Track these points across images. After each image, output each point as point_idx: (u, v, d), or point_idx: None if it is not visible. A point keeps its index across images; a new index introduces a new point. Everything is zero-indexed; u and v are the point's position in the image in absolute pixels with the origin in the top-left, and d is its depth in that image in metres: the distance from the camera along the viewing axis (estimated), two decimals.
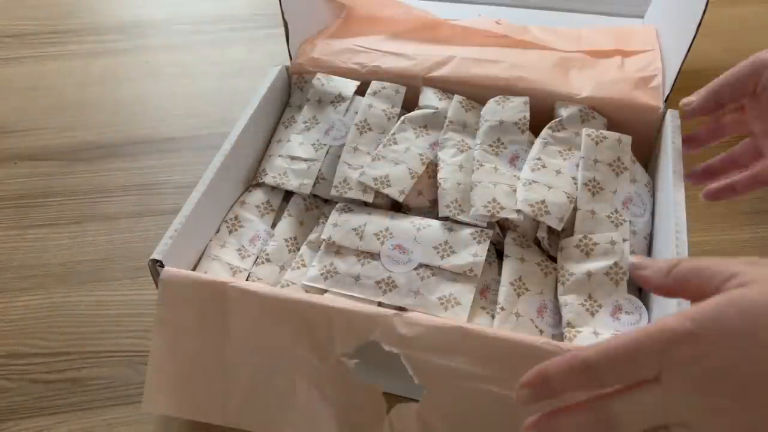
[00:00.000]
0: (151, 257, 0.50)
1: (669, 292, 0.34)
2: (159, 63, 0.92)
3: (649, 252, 0.56)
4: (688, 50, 0.58)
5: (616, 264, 0.53)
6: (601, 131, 0.60)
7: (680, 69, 0.60)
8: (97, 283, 0.64)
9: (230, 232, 0.59)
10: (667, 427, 0.31)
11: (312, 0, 0.72)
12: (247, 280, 0.56)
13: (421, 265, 0.55)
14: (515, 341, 0.44)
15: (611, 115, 0.62)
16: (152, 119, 0.82)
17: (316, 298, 0.48)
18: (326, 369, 0.48)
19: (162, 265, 0.50)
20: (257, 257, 0.58)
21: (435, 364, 0.45)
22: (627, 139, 0.60)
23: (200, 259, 0.56)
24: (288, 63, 0.70)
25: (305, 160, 0.62)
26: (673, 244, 0.50)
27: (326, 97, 0.66)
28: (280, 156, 0.63)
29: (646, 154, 0.63)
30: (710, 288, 0.32)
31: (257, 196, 0.62)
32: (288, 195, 0.63)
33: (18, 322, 0.61)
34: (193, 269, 0.55)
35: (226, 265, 0.56)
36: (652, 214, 0.58)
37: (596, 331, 0.51)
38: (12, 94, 0.87)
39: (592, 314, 0.52)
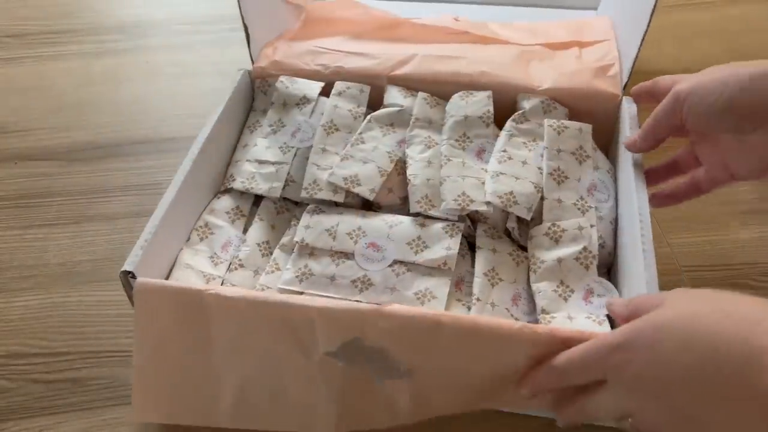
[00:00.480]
0: (122, 269, 0.49)
1: (630, 319, 0.41)
2: (159, 63, 0.92)
3: (615, 236, 0.58)
4: (643, 38, 0.60)
5: (585, 249, 0.55)
6: (563, 121, 0.61)
7: (636, 56, 0.61)
8: (97, 283, 0.64)
9: (201, 239, 0.58)
10: (623, 416, 0.41)
11: (271, 3, 0.72)
12: (221, 286, 0.55)
13: (395, 262, 0.55)
14: (494, 326, 0.45)
15: (572, 105, 0.64)
16: (152, 119, 0.82)
17: (295, 299, 0.48)
18: (314, 366, 0.48)
19: (134, 277, 0.49)
20: (230, 263, 0.58)
21: (421, 354, 0.46)
22: (587, 127, 0.61)
23: (172, 268, 0.56)
24: (250, 67, 0.69)
25: (273, 163, 0.62)
26: (638, 227, 0.51)
27: (291, 99, 0.66)
28: (247, 161, 0.63)
29: (607, 141, 0.65)
30: (649, 311, 0.40)
31: (226, 203, 0.61)
32: (258, 199, 0.63)
33: (18, 322, 0.62)
34: (166, 279, 0.55)
35: (200, 272, 0.56)
36: (616, 199, 0.59)
37: (570, 315, 0.52)
38: (12, 94, 0.87)
39: (565, 299, 0.53)
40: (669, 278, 0.63)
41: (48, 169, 0.76)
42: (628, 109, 0.60)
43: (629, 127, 0.59)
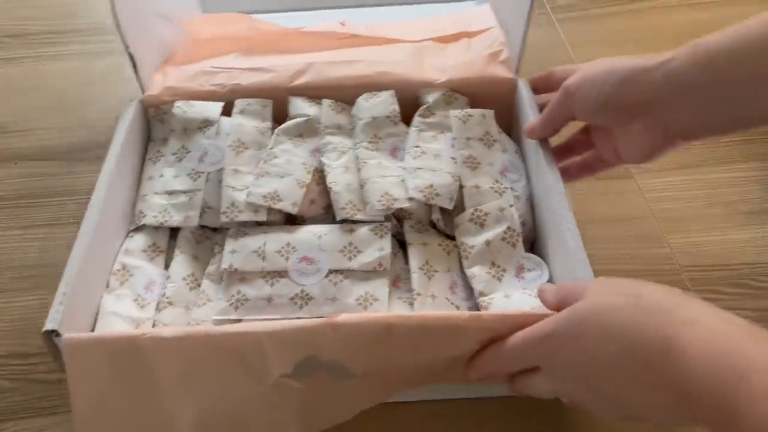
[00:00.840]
0: (44, 329, 0.45)
1: (559, 309, 0.44)
2: None
3: (533, 211, 0.60)
4: (528, 20, 0.63)
5: (509, 228, 0.57)
6: (466, 110, 0.63)
7: (524, 39, 0.64)
8: None
9: (121, 283, 0.55)
10: (557, 395, 0.45)
11: (153, 27, 0.69)
12: (156, 328, 0.53)
13: (331, 272, 0.55)
14: (442, 319, 0.46)
15: (471, 94, 0.66)
16: None
17: (239, 327, 0.46)
18: (270, 391, 0.46)
19: (59, 335, 0.46)
20: (158, 303, 0.55)
21: (375, 358, 0.46)
22: (490, 113, 0.63)
23: (96, 318, 0.52)
24: (141, 96, 0.66)
25: (184, 192, 0.60)
26: (555, 199, 0.54)
27: (191, 123, 0.64)
28: (156, 193, 0.60)
29: (508, 123, 0.67)
30: (575, 302, 0.42)
31: (141, 241, 0.58)
32: (174, 232, 0.60)
33: (18, 322, 0.62)
34: (92, 331, 0.51)
35: (126, 318, 0.53)
36: (527, 177, 0.62)
37: (506, 294, 0.54)
38: (12, 94, 0.86)
39: (499, 279, 0.55)
40: (669, 278, 0.64)
41: (48, 169, 0.76)
42: (525, 91, 0.63)
43: (529, 107, 0.62)
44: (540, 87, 0.62)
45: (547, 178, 0.56)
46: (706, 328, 0.36)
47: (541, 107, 0.61)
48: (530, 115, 0.61)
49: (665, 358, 0.36)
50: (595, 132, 0.58)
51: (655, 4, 0.95)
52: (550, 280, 0.55)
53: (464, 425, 0.54)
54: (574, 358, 0.41)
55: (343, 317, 0.46)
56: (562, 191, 0.54)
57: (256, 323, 0.46)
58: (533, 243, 0.60)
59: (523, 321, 0.46)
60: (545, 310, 0.47)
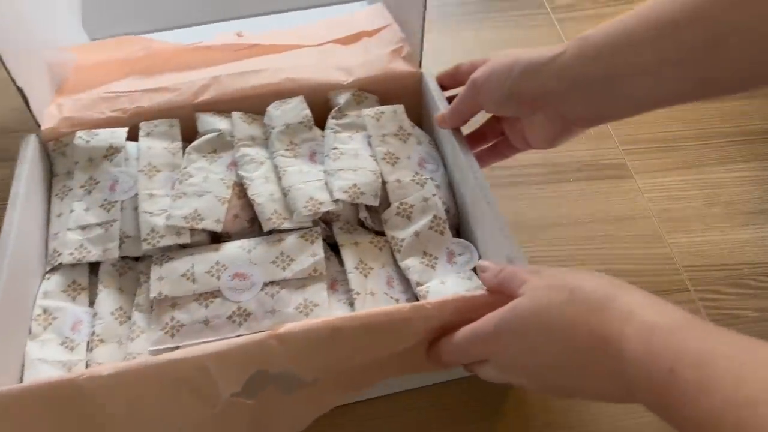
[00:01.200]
0: None
1: (497, 290, 0.47)
2: None
3: (454, 197, 0.62)
4: (423, 14, 0.64)
5: (435, 217, 0.58)
6: (378, 108, 0.64)
7: (422, 32, 0.66)
8: None
9: (45, 328, 0.52)
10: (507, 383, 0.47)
11: (40, 59, 0.65)
12: (94, 367, 0.50)
13: (266, 285, 0.54)
14: (387, 315, 0.46)
15: (379, 91, 0.67)
16: None
17: (180, 353, 0.45)
18: (221, 412, 0.45)
19: None
20: (88, 343, 0.52)
21: (325, 363, 0.46)
22: (400, 108, 0.65)
23: (23, 369, 0.49)
24: (37, 131, 0.62)
25: (100, 224, 0.57)
26: (473, 182, 0.56)
27: (96, 153, 0.61)
28: (69, 230, 0.57)
29: (418, 115, 0.69)
30: (514, 290, 0.44)
31: (59, 281, 0.55)
32: (94, 267, 0.57)
33: None
34: (20, 382, 0.48)
35: (56, 363, 0.50)
36: (444, 166, 0.64)
37: (442, 280, 0.55)
38: None
39: (433, 267, 0.56)
40: (669, 278, 0.65)
41: None
42: (431, 83, 0.65)
43: (437, 98, 0.63)
44: (447, 82, 0.64)
45: (464, 163, 0.58)
46: (641, 321, 0.37)
47: (449, 99, 0.63)
48: (439, 106, 0.62)
49: (605, 354, 0.38)
50: (504, 121, 0.60)
51: None
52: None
53: (435, 413, 0.55)
54: (518, 356, 0.43)
55: (287, 327, 0.46)
56: (480, 174, 0.56)
57: (197, 347, 0.45)
58: (458, 228, 0.62)
59: (462, 305, 0.47)
60: (481, 291, 0.48)
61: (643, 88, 0.46)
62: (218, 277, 0.54)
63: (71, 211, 0.58)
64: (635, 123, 0.76)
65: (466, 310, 0.47)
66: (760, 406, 0.30)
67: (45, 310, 0.53)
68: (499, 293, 0.46)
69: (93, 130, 0.62)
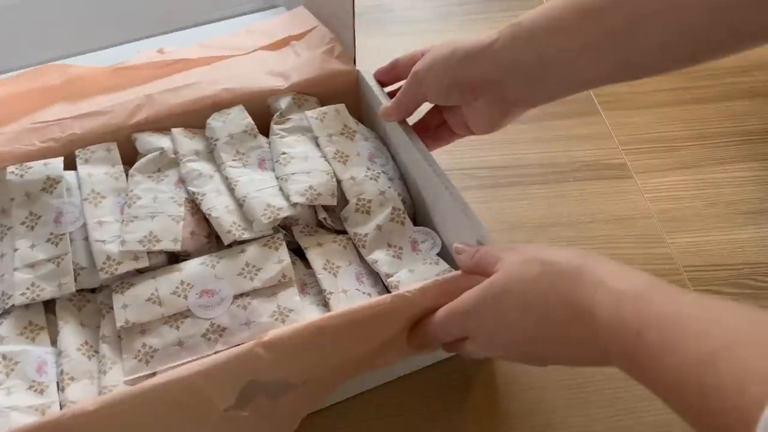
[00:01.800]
0: None
1: (474, 271, 0.48)
2: None
3: (408, 187, 0.63)
4: (353, 11, 0.65)
5: (394, 208, 0.59)
6: (320, 108, 0.64)
7: (353, 29, 0.67)
8: None
9: (8, 375, 0.49)
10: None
11: None
12: (79, 403, 0.47)
13: (236, 297, 0.53)
14: (369, 308, 0.47)
15: (318, 92, 0.67)
16: None
17: (168, 375, 0.43)
18: (219, 426, 0.44)
19: None
20: (58, 383, 0.50)
21: (312, 364, 0.46)
22: (342, 107, 0.65)
23: None
24: None
25: (50, 260, 0.54)
26: (429, 170, 0.57)
27: (33, 187, 0.58)
28: (16, 270, 0.54)
29: (359, 113, 0.69)
30: (489, 268, 0.46)
31: (14, 324, 0.52)
32: (49, 304, 0.54)
33: None
34: None
35: (28, 409, 0.47)
36: (393, 159, 0.65)
37: (410, 269, 0.56)
38: None
39: (399, 258, 0.57)
40: (669, 278, 0.65)
41: None
42: (369, 79, 0.66)
43: (378, 94, 0.64)
44: (385, 78, 0.65)
45: (416, 153, 0.59)
46: (610, 289, 0.38)
47: (391, 94, 0.64)
48: (381, 101, 0.63)
49: (579, 323, 0.39)
50: (444, 109, 0.61)
51: None
52: (444, 246, 0.58)
53: (412, 404, 0.56)
54: (496, 331, 0.44)
55: (273, 333, 0.45)
56: (434, 162, 0.58)
57: (185, 366, 0.44)
58: (415, 218, 0.63)
59: (440, 288, 0.48)
60: (455, 273, 0.50)
61: (571, 70, 0.49)
62: (185, 297, 0.53)
63: (15, 249, 0.55)
64: (635, 124, 0.79)
65: (445, 293, 0.48)
66: (719, 361, 0.31)
67: (4, 357, 0.50)
68: (477, 274, 0.47)
69: (25, 164, 0.59)
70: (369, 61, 0.85)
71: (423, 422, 0.55)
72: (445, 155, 0.74)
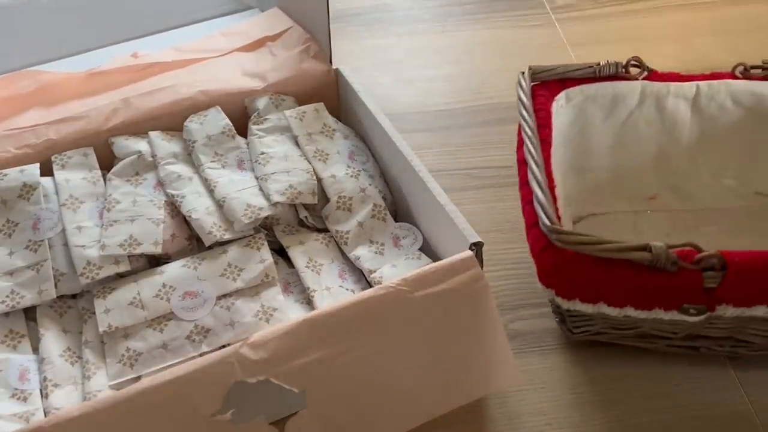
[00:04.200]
0: None
1: None
2: None
3: (388, 184, 0.63)
4: (328, 11, 0.65)
5: (375, 205, 0.59)
6: (299, 108, 0.65)
7: (329, 30, 0.67)
8: None
9: None
10: None
11: None
12: (57, 413, 0.47)
13: (219, 298, 0.53)
14: (362, 300, 0.47)
15: (296, 92, 0.67)
16: None
17: (153, 380, 0.43)
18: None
19: None
20: (41, 390, 0.49)
21: (301, 365, 0.46)
22: (321, 106, 0.65)
23: None
24: None
25: (29, 266, 0.54)
26: (409, 167, 0.58)
27: (10, 194, 0.57)
28: None
29: (337, 111, 0.70)
30: None
31: None
32: (30, 312, 0.54)
33: None
34: None
35: (11, 417, 0.47)
36: (374, 157, 0.65)
37: (393, 264, 0.56)
38: None
39: (382, 253, 0.57)
40: None
41: None
42: (348, 76, 0.66)
43: (359, 92, 0.64)
44: None
45: (395, 149, 0.59)
46: None
47: None
48: (363, 100, 0.63)
49: None
50: None
51: (655, 4, 0.94)
52: (426, 241, 0.58)
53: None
54: None
55: (257, 335, 0.45)
56: (414, 158, 0.58)
57: (170, 370, 0.44)
58: (396, 214, 0.63)
59: (422, 279, 0.49)
60: (434, 265, 0.50)
61: None
62: (168, 299, 0.53)
63: None
64: None
65: (428, 284, 0.48)
66: None
67: None
68: None
69: (0, 171, 0.58)
70: (369, 61, 0.87)
71: None
72: (446, 155, 0.76)
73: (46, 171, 0.59)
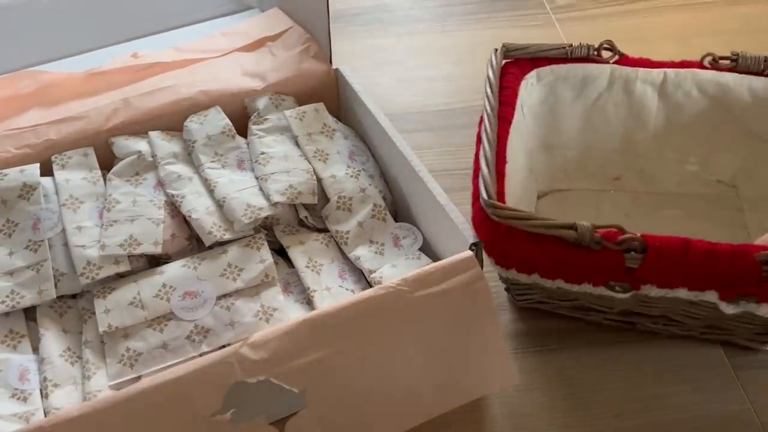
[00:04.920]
0: None
1: None
2: None
3: (388, 184, 0.63)
4: (328, 11, 0.65)
5: (375, 205, 0.59)
6: (299, 108, 0.65)
7: (329, 31, 0.67)
8: None
9: None
10: None
11: None
12: (56, 413, 0.47)
13: (219, 298, 0.53)
14: (363, 300, 0.47)
15: (296, 92, 0.67)
16: None
17: (153, 380, 0.43)
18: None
19: None
20: (41, 390, 0.49)
21: (301, 365, 0.46)
22: (321, 106, 0.65)
23: None
24: None
25: (29, 266, 0.54)
26: (409, 167, 0.58)
27: (10, 194, 0.57)
28: None
29: (337, 111, 0.70)
30: None
31: None
32: (30, 312, 0.54)
33: None
34: None
35: (11, 417, 0.47)
36: (374, 157, 0.65)
37: (393, 264, 0.56)
38: None
39: (382, 254, 0.57)
40: None
41: None
42: (349, 76, 0.66)
43: (360, 92, 0.64)
44: None
45: (395, 149, 0.59)
46: None
47: None
48: (362, 100, 0.63)
49: None
50: None
51: (655, 4, 0.95)
52: (426, 241, 0.58)
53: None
54: None
55: (257, 335, 0.45)
56: (414, 158, 0.58)
57: (170, 370, 0.44)
58: (396, 214, 0.63)
59: (422, 279, 0.49)
60: (434, 264, 0.50)
61: None
62: (168, 299, 0.53)
63: None
64: None
65: (427, 284, 0.48)
66: None
67: None
68: None
69: (0, 171, 0.58)
70: (368, 61, 0.87)
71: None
72: (446, 155, 0.76)
73: (46, 171, 0.59)
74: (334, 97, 0.69)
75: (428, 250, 0.58)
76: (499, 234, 0.50)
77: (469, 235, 0.51)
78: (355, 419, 0.48)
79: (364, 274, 0.56)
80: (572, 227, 0.48)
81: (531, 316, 0.61)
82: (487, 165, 0.52)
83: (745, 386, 0.56)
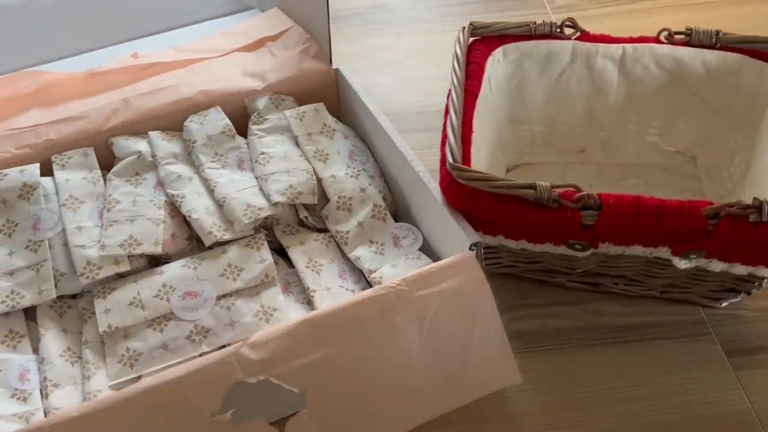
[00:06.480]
0: None
1: None
2: None
3: (388, 184, 0.63)
4: (328, 11, 0.65)
5: (375, 205, 0.59)
6: (299, 108, 0.65)
7: (329, 28, 0.67)
8: None
9: None
10: None
11: None
12: (56, 413, 0.47)
13: (219, 298, 0.53)
14: (356, 302, 0.47)
15: (295, 92, 0.67)
16: None
17: (153, 380, 0.43)
18: None
19: None
20: (41, 390, 0.49)
21: (301, 365, 0.46)
22: (321, 106, 0.65)
23: None
24: None
25: (29, 266, 0.54)
26: (408, 167, 0.58)
27: (10, 194, 0.57)
28: None
29: (337, 111, 0.70)
30: None
31: None
32: (30, 312, 0.54)
33: None
34: None
35: (10, 418, 0.47)
36: (374, 156, 0.65)
37: (393, 264, 0.56)
38: None
39: (382, 254, 0.57)
40: None
41: None
42: (348, 76, 0.66)
43: (360, 92, 0.64)
44: None
45: (395, 149, 0.59)
46: None
47: None
48: (362, 99, 0.63)
49: None
50: None
51: (655, 4, 0.94)
52: (426, 241, 0.58)
53: None
54: None
55: (257, 336, 0.45)
56: (414, 158, 0.58)
57: (170, 370, 0.44)
58: (396, 214, 0.63)
59: (422, 279, 0.49)
60: (434, 265, 0.50)
61: None
62: (168, 299, 0.53)
63: None
64: None
65: (427, 284, 0.48)
66: None
67: None
68: None
69: (0, 171, 0.58)
70: (368, 61, 0.86)
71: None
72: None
73: (46, 171, 0.59)
74: (334, 97, 0.69)
75: (428, 250, 0.58)
76: (464, 196, 0.52)
77: (470, 235, 0.51)
78: (355, 419, 0.48)
79: (364, 274, 0.56)
80: (532, 187, 0.50)
81: (529, 315, 0.61)
82: (453, 133, 0.54)
83: (745, 386, 0.56)
